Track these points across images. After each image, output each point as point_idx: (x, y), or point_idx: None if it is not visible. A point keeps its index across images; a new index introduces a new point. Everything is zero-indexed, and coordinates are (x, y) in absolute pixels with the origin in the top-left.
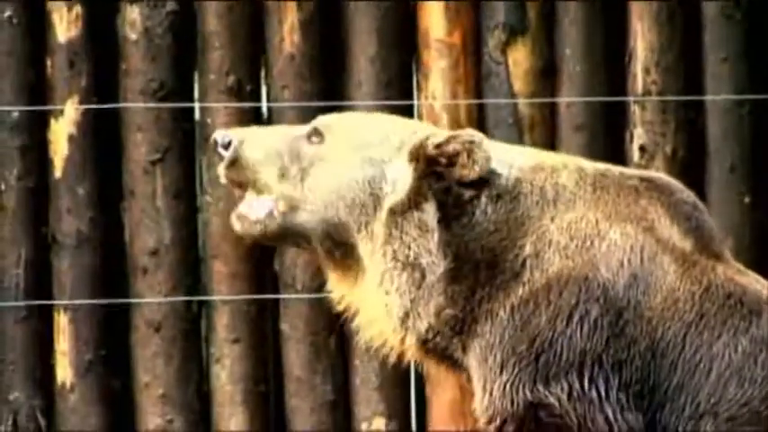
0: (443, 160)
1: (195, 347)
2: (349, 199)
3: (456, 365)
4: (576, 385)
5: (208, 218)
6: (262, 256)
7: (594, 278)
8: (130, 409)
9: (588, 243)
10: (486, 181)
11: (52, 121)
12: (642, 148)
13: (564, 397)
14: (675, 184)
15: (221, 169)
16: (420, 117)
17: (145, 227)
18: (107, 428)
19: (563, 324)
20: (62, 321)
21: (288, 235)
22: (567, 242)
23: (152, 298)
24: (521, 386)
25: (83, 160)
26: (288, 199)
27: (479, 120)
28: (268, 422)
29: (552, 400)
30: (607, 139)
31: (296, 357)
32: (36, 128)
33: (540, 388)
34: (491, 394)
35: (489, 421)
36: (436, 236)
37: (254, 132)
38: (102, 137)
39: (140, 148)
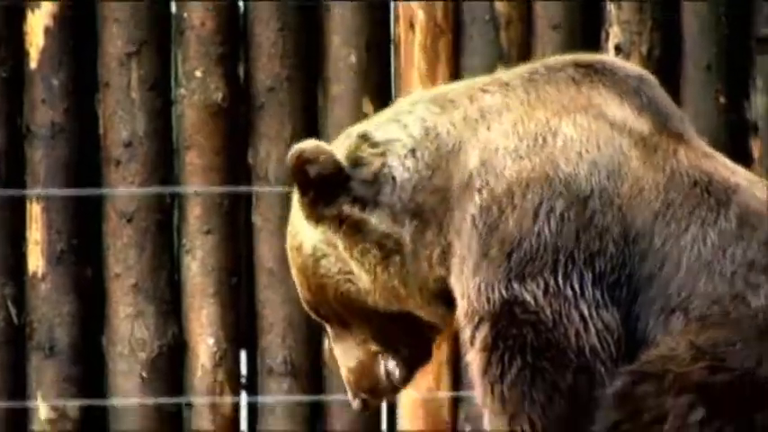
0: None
1: (167, 238)
2: None
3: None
4: (551, 282)
5: (182, 110)
6: (235, 149)
7: (555, 175)
8: (101, 299)
9: (541, 141)
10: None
11: (29, 13)
12: (618, 47)
13: (539, 294)
14: (612, 60)
15: None
16: (396, 16)
17: (119, 118)
18: (78, 318)
19: (530, 223)
20: (35, 211)
21: None
22: (517, 144)
23: (125, 189)
24: (495, 284)
25: (59, 52)
26: None
27: (455, 18)
28: (239, 314)
29: (527, 297)
30: (583, 37)
31: (268, 250)
32: (12, 19)
33: (515, 286)
34: (468, 297)
35: (467, 324)
36: (375, 224)
37: None
38: (79, 29)
39: (116, 40)
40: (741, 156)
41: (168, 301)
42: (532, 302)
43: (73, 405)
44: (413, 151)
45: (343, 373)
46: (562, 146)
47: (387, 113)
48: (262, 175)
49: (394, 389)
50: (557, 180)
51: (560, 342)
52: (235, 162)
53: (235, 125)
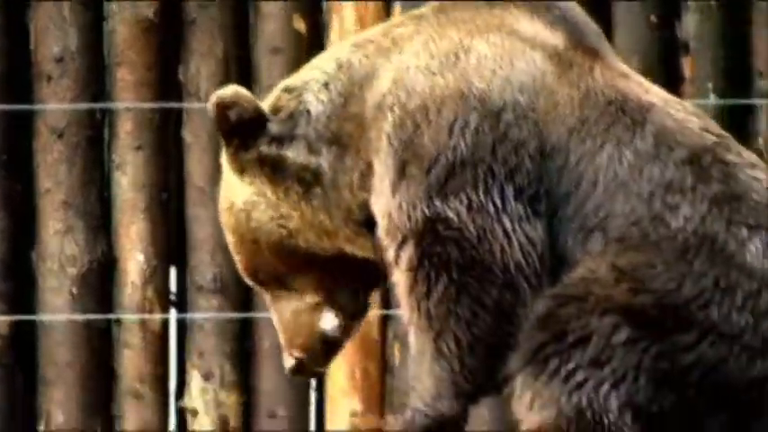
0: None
1: (98, 154)
2: None
3: None
4: (473, 197)
5: (113, 25)
6: (167, 65)
7: (469, 91)
8: (32, 215)
9: (454, 58)
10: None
11: None
12: None
13: (462, 210)
14: None
15: None
16: None
17: (51, 33)
18: (8, 233)
19: (446, 138)
20: None
21: None
22: (428, 61)
23: (56, 104)
24: (417, 202)
25: None
26: None
27: None
28: (168, 230)
29: (450, 214)
30: None
31: (197, 166)
32: None
33: (437, 203)
34: (390, 216)
35: (391, 243)
36: (292, 158)
37: None
38: None
39: None
40: (673, 75)
41: (98, 217)
42: (455, 219)
43: (2, 321)
44: (326, 84)
45: (280, 333)
46: (475, 63)
47: (308, 63)
48: (193, 92)
49: (331, 346)
50: (470, 96)
51: (485, 259)
52: (166, 78)
53: (166, 41)
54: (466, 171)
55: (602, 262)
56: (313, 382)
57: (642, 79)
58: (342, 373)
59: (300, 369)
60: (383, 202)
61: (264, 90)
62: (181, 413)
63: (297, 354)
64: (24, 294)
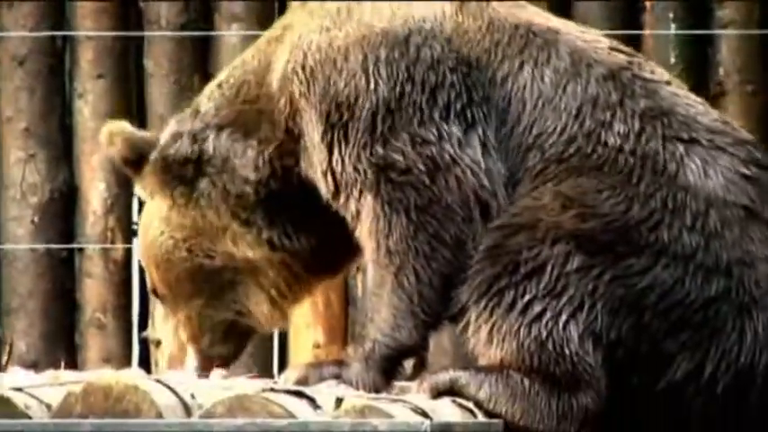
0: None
1: (59, 82)
2: None
3: None
4: (411, 131)
5: None
6: None
7: (371, 31)
8: None
9: (346, 12)
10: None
11: None
12: None
13: (406, 148)
14: None
15: None
16: None
17: None
18: None
19: (362, 80)
20: None
21: None
22: (321, 22)
23: (17, 32)
24: (359, 153)
25: None
26: None
27: None
28: None
29: (396, 156)
30: None
31: (159, 95)
32: None
33: (379, 149)
34: (334, 176)
35: (346, 200)
36: (173, 154)
37: None
38: None
39: None
40: (633, 5)
41: (60, 146)
42: (402, 160)
43: None
44: (219, 85)
45: (185, 339)
46: (370, 10)
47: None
48: (153, 20)
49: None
50: (373, 35)
51: (443, 196)
52: (126, 6)
53: None
54: (392, 109)
55: (546, 190)
56: None
57: (538, 8)
58: (304, 305)
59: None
60: (319, 161)
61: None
62: (144, 343)
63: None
64: None
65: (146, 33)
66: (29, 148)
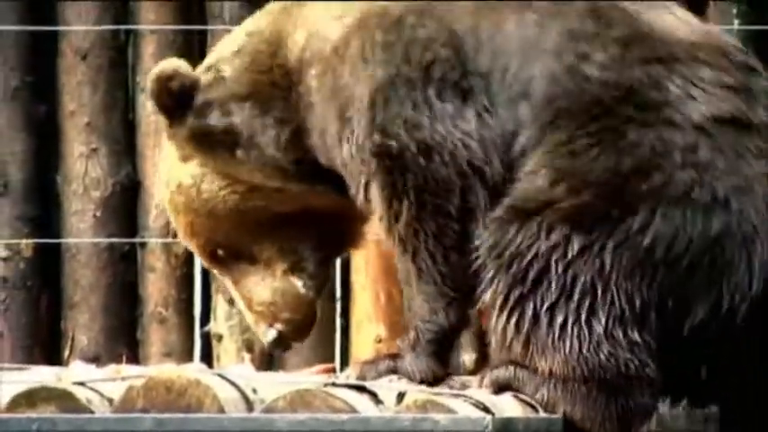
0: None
1: (122, 76)
2: None
3: None
4: (404, 115)
5: None
6: None
7: (368, 14)
8: (56, 136)
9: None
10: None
11: None
12: None
13: (400, 132)
14: None
15: None
16: None
17: None
18: (32, 155)
19: (360, 67)
20: None
21: None
22: (334, 9)
23: (79, 26)
24: (363, 144)
25: None
26: None
27: None
28: None
29: (391, 142)
30: None
31: None
32: None
33: (377, 137)
34: (347, 168)
35: (358, 190)
36: (213, 125)
37: None
38: None
39: None
40: None
41: (122, 140)
42: (396, 145)
43: (27, 244)
44: (237, 51)
45: (256, 309)
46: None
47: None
48: (216, 14)
49: (309, 310)
50: (370, 18)
51: (439, 173)
52: (189, 0)
53: None
54: (389, 94)
55: (538, 158)
56: (338, 308)
57: None
58: (366, 299)
59: (281, 341)
60: (337, 154)
61: None
62: (206, 338)
63: (278, 326)
64: (48, 217)
65: (209, 27)
66: (91, 143)
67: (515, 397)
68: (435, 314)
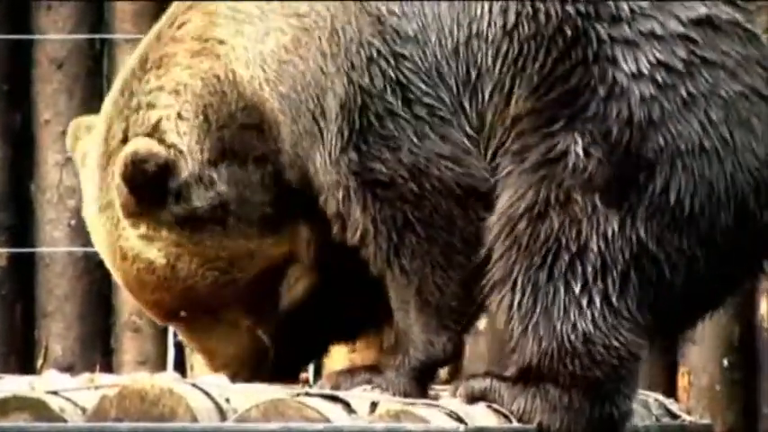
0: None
1: (98, 86)
2: None
3: None
4: (382, 133)
5: None
6: None
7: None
8: (31, 145)
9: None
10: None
11: None
12: None
13: (385, 153)
14: None
15: None
16: None
17: None
18: (7, 164)
19: (322, 81)
20: None
21: None
22: (261, 25)
23: (55, 35)
24: (343, 177)
25: None
26: None
27: None
28: None
29: (375, 165)
30: None
31: None
32: None
33: (354, 156)
34: (326, 202)
35: (339, 218)
36: (199, 205)
37: None
38: None
39: None
40: None
41: None
42: (382, 168)
43: (1, 253)
44: (179, 116)
45: (219, 362)
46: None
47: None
48: None
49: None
50: (325, 31)
51: (434, 199)
52: (165, 8)
53: None
54: (362, 112)
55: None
56: None
57: None
58: None
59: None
60: (310, 164)
61: None
62: (179, 347)
63: (241, 377)
64: (23, 226)
65: None
66: (66, 152)
67: (489, 407)
68: (432, 346)
